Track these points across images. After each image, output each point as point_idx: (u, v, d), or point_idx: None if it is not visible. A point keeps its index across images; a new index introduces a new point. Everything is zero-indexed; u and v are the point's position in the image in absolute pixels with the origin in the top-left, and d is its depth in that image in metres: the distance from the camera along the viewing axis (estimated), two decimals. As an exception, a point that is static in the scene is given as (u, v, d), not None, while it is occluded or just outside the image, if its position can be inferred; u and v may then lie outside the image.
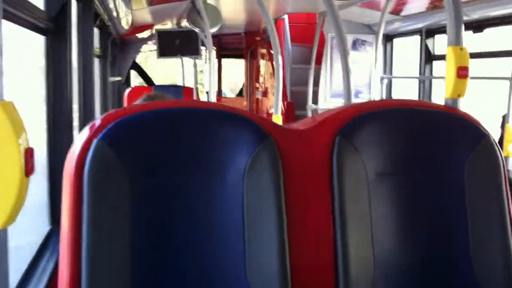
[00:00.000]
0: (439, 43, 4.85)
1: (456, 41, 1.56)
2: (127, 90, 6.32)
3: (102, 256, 1.18)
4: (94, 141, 1.21)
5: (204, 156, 1.29)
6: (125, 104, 6.06)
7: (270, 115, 6.51)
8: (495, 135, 1.46)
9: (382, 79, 5.45)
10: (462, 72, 1.54)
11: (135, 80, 8.76)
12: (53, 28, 2.26)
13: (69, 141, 2.30)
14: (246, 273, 1.25)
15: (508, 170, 1.47)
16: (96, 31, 4.10)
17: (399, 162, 1.40)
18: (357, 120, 1.39)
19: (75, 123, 2.64)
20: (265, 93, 7.39)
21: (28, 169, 0.84)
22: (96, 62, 4.38)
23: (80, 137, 1.24)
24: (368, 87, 5.45)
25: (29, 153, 0.85)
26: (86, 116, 3.00)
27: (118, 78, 6.57)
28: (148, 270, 1.23)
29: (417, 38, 4.97)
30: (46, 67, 2.29)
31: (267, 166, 1.28)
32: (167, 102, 1.43)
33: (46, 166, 2.27)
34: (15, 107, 0.86)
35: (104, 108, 4.98)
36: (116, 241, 1.20)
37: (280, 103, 3.73)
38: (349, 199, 1.33)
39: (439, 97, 4.87)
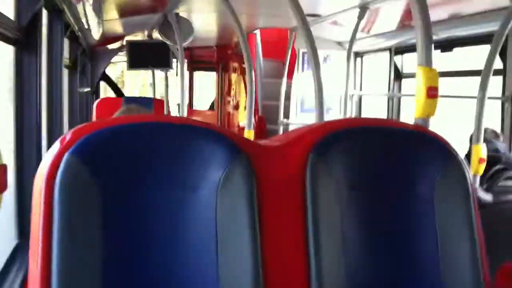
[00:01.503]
0: (408, 62, 4.95)
1: (426, 62, 1.60)
2: (96, 102, 6.24)
3: (73, 271, 1.16)
4: (65, 155, 1.19)
5: (177, 171, 1.28)
6: (93, 115, 5.97)
7: (241, 128, 6.52)
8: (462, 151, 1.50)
9: (352, 96, 5.52)
10: (432, 93, 1.57)
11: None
12: (23, 38, 2.23)
13: (38, 154, 2.26)
14: None
15: (475, 189, 1.50)
16: (66, 41, 4.05)
17: (370, 179, 1.42)
18: (330, 137, 1.40)
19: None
20: (236, 107, 7.39)
21: (1, 186, 0.82)
22: (65, 73, 4.33)
23: (50, 151, 1.22)
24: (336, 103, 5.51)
25: (2, 170, 0.82)
26: (55, 128, 2.95)
27: (87, 89, 6.49)
28: (120, 285, 1.22)
29: (386, 56, 5.07)
30: (15, 78, 2.25)
31: (240, 182, 1.28)
32: (139, 116, 1.42)
33: (14, 180, 2.22)
34: None
35: (72, 120, 4.91)
36: (88, 256, 1.18)
37: (252, 118, 3.73)
38: (322, 215, 1.34)
39: (407, 114, 4.96)
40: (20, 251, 2.14)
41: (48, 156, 1.21)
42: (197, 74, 9.35)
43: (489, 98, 2.89)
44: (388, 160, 1.43)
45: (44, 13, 2.57)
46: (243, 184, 1.28)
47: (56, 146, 1.22)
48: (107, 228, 1.21)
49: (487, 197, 2.50)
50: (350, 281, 1.34)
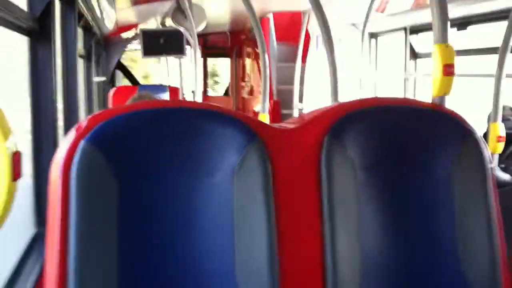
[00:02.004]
0: (423, 41, 4.89)
1: (442, 39, 1.57)
2: (112, 90, 6.27)
3: (90, 260, 1.17)
4: (81, 143, 1.19)
5: (193, 156, 1.28)
6: (110, 104, 6.01)
7: (256, 113, 6.51)
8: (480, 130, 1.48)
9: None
10: (448, 70, 1.55)
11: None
12: (37, 29, 2.24)
13: (54, 142, 2.28)
14: (236, 274, 1.25)
15: (492, 167, 1.48)
16: (79, 31, 4.07)
17: (387, 160, 1.40)
18: (345, 118, 1.39)
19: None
20: (251, 92, 7.38)
21: (16, 173, 0.83)
22: (80, 63, 4.35)
23: (66, 139, 1.22)
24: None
25: (16, 157, 0.83)
26: (71, 117, 2.97)
27: (103, 78, 6.53)
28: (136, 273, 1.22)
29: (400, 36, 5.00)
30: (30, 68, 2.27)
31: (256, 166, 1.28)
32: (154, 102, 1.42)
33: (31, 168, 2.24)
34: (1, 110, 0.85)
35: (89, 109, 4.94)
36: (104, 244, 1.19)
37: (267, 102, 3.73)
38: (338, 198, 1.34)
39: (423, 95, 4.91)
40: (38, 240, 2.16)
41: (64, 144, 1.22)
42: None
43: (507, 76, 2.84)
44: (404, 140, 1.41)
45: (57, 3, 2.58)
46: (259, 168, 1.28)
47: (72, 133, 1.22)
48: (123, 214, 1.21)
49: (505, 176, 2.47)
50: (365, 262, 1.33)
